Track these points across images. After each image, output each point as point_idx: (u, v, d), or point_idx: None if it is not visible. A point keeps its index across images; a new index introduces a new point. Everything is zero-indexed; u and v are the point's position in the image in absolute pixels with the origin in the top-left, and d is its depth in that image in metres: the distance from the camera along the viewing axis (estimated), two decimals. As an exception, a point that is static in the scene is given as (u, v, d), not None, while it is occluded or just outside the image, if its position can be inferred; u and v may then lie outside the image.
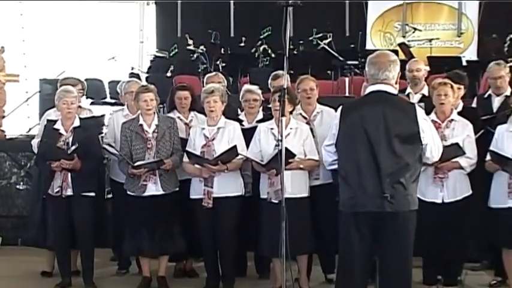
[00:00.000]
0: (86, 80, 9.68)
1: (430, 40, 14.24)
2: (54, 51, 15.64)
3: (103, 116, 8.85)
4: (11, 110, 11.73)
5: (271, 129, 7.53)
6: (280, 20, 6.09)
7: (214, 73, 9.29)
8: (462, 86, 7.91)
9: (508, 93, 8.24)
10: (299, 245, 7.27)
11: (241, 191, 7.81)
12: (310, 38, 14.40)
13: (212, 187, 7.65)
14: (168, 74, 14.12)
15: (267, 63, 14.76)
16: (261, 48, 15.05)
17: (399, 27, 15.31)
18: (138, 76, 12.98)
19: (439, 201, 7.27)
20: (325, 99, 8.53)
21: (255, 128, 7.85)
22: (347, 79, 12.45)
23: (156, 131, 7.83)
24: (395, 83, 5.78)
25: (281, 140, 6.68)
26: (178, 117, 8.20)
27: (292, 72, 9.54)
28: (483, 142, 7.44)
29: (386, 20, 15.49)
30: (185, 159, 7.76)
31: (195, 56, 14.28)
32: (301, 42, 14.47)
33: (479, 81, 11.66)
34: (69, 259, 8.13)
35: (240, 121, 8.11)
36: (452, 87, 7.43)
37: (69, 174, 7.78)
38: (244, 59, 14.14)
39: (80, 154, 7.75)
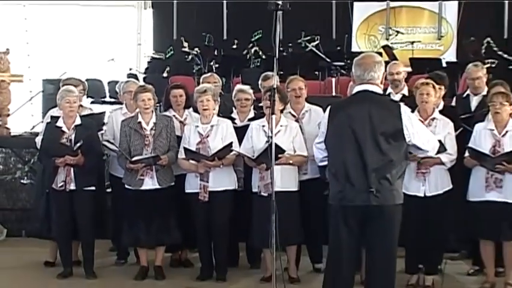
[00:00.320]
0: (87, 80, 9.66)
1: (412, 43, 14.24)
2: (56, 53, 15.63)
3: (103, 113, 8.83)
4: (15, 108, 11.71)
5: (263, 126, 7.54)
6: (270, 24, 6.08)
7: (209, 74, 9.28)
8: (443, 86, 7.91)
9: (485, 93, 8.24)
10: (288, 236, 7.29)
11: (235, 185, 7.82)
12: (299, 41, 14.36)
13: (208, 181, 7.66)
14: (165, 75, 14.09)
15: (258, 64, 14.74)
16: (252, 50, 15.05)
17: (383, 30, 15.30)
18: (136, 76, 12.94)
19: (421, 194, 7.27)
20: (313, 98, 8.53)
21: (246, 126, 7.86)
22: (334, 79, 12.44)
23: (153, 128, 7.84)
24: (381, 83, 5.79)
25: (271, 137, 6.72)
26: (174, 116, 8.21)
27: (282, 73, 9.55)
28: (462, 139, 7.45)
29: (371, 24, 15.47)
30: (181, 155, 7.76)
31: (189, 57, 14.24)
32: (290, 44, 14.45)
33: (458, 81, 11.66)
34: (71, 250, 8.13)
35: (233, 119, 8.11)
36: (434, 87, 7.43)
37: (72, 170, 7.79)
38: (236, 61, 14.11)
39: (82, 150, 7.77)
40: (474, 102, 8.45)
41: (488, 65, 10.54)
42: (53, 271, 8.18)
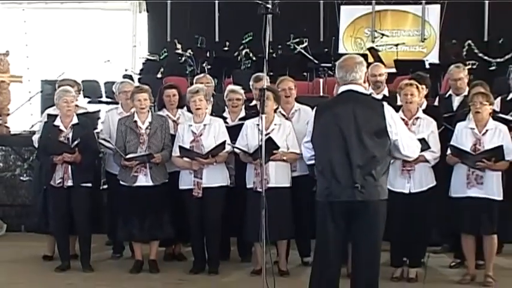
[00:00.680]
0: (84, 81, 9.66)
1: (397, 45, 14.23)
2: (54, 54, 15.59)
3: (98, 111, 8.80)
4: (15, 108, 11.69)
5: (257, 125, 7.49)
6: (260, 27, 6.06)
7: (202, 75, 9.26)
8: (424, 86, 7.90)
9: (466, 93, 8.22)
10: (281, 231, 7.34)
11: (227, 181, 7.81)
12: (288, 43, 14.37)
13: (201, 178, 7.66)
14: (159, 76, 14.03)
15: (249, 65, 14.75)
16: (243, 52, 15.05)
17: (369, 33, 15.29)
18: (131, 77, 12.89)
19: (406, 191, 7.26)
20: (302, 98, 8.52)
21: (238, 125, 7.87)
22: (321, 80, 12.41)
23: (149, 127, 7.84)
24: (364, 82, 5.78)
25: (267, 134, 6.87)
26: (167, 115, 8.19)
27: (271, 74, 9.54)
28: (444, 138, 7.45)
29: (357, 27, 15.46)
30: (175, 153, 7.74)
31: (183, 59, 14.22)
32: (279, 46, 14.46)
33: (441, 82, 11.69)
34: (68, 244, 8.13)
35: (225, 118, 8.10)
36: (417, 87, 7.42)
37: (70, 167, 7.79)
38: (227, 62, 14.09)
39: (79, 148, 7.77)
40: (456, 102, 8.44)
41: (469, 67, 10.54)
42: (51, 264, 8.17)
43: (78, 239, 8.10)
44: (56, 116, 8.00)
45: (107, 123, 8.48)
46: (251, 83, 8.52)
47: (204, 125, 7.74)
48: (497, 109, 7.93)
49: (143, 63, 15.50)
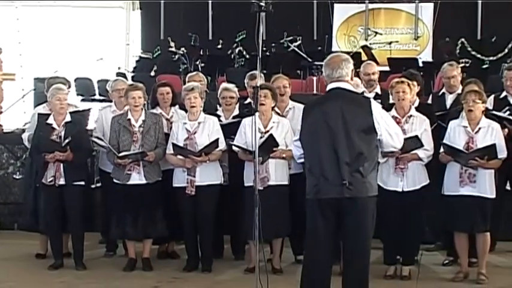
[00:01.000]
0: (77, 79, 9.63)
1: (390, 43, 14.27)
2: (47, 52, 15.59)
3: (89, 109, 8.76)
4: (8, 106, 11.66)
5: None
6: (254, 25, 6.06)
7: (195, 73, 9.25)
8: (415, 83, 7.89)
9: (460, 91, 8.24)
10: (278, 229, 7.37)
11: (221, 179, 7.81)
12: (282, 41, 14.37)
13: (195, 176, 7.65)
14: (152, 74, 14.05)
15: (242, 63, 14.75)
16: (237, 50, 15.05)
17: (362, 31, 15.31)
18: (124, 75, 12.89)
19: (400, 189, 7.26)
20: (295, 96, 8.52)
21: (231, 123, 7.86)
22: (315, 78, 12.42)
23: (142, 125, 7.83)
24: (351, 79, 5.79)
25: (266, 132, 6.79)
26: (161, 113, 8.18)
27: (265, 72, 9.53)
28: (436, 136, 7.46)
29: (351, 25, 15.48)
30: (169, 151, 7.74)
31: (176, 57, 14.19)
32: (273, 44, 14.46)
33: (434, 80, 11.70)
34: (61, 242, 8.11)
35: (218, 116, 8.10)
36: (409, 85, 7.43)
37: (62, 165, 7.77)
38: (221, 60, 14.10)
39: (71, 147, 7.74)
40: (449, 100, 8.46)
41: (462, 65, 10.56)
42: (44, 263, 8.15)
43: (71, 237, 8.07)
44: (48, 114, 7.99)
45: (100, 121, 8.46)
46: (246, 80, 8.52)
47: (199, 122, 7.73)
48: (490, 107, 7.94)
49: (136, 61, 15.49)
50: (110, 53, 15.08)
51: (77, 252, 7.99)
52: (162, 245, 8.50)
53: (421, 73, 8.63)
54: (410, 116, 7.37)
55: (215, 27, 15.86)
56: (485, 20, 14.91)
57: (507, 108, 8.05)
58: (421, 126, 7.32)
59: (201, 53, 14.57)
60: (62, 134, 7.82)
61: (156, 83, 9.14)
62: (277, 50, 14.40)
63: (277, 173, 7.47)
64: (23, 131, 9.56)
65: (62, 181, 7.78)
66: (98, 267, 8.10)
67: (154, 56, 15.53)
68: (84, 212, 7.99)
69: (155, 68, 14.40)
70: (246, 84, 8.54)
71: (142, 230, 7.81)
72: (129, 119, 7.84)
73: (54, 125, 7.86)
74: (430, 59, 14.29)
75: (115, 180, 7.86)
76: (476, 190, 7.18)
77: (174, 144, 7.65)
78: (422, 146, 7.15)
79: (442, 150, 7.34)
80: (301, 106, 7.68)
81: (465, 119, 7.32)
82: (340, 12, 15.53)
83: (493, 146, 7.11)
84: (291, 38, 14.16)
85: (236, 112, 8.21)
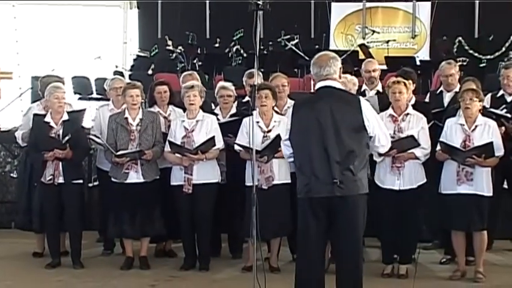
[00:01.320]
0: (74, 77, 9.61)
1: (387, 41, 14.26)
2: (45, 51, 15.53)
3: (84, 110, 8.75)
4: (5, 104, 11.64)
5: (257, 122, 7.49)
6: (251, 23, 6.06)
7: (190, 72, 9.23)
8: (411, 81, 7.89)
9: (457, 89, 8.25)
10: (280, 228, 7.36)
11: (218, 178, 7.80)
12: (279, 39, 14.37)
13: (192, 174, 7.65)
14: (149, 72, 14.02)
15: (240, 62, 14.74)
16: (234, 48, 15.03)
17: (359, 29, 15.30)
18: (122, 74, 12.89)
19: (396, 188, 7.27)
20: (292, 94, 8.52)
21: (229, 122, 7.86)
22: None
23: (139, 124, 7.83)
24: (339, 77, 5.79)
25: (268, 131, 6.92)
26: (158, 112, 8.18)
27: (262, 70, 9.53)
28: (433, 134, 7.47)
29: (348, 23, 15.48)
30: (167, 149, 7.74)
31: (173, 55, 14.21)
32: (270, 43, 14.45)
33: (432, 78, 11.71)
34: (59, 241, 8.12)
35: (216, 115, 8.09)
36: (405, 84, 7.44)
37: (60, 164, 7.77)
38: (218, 58, 14.09)
39: (70, 145, 7.75)
40: (447, 98, 8.46)
41: (459, 63, 10.56)
42: (42, 261, 8.15)
43: (69, 236, 8.08)
44: (44, 115, 7.97)
45: (98, 119, 8.46)
46: (244, 79, 8.52)
47: (197, 121, 7.73)
48: (488, 106, 7.95)
49: (134, 60, 15.47)
50: (107, 52, 15.04)
51: (74, 250, 7.99)
52: (159, 243, 8.49)
53: (418, 71, 8.62)
54: (407, 114, 7.38)
55: (212, 25, 15.85)
56: (483, 18, 14.92)
57: (504, 106, 8.05)
58: (418, 124, 7.32)
59: (199, 51, 14.58)
60: (60, 132, 7.81)
61: (154, 81, 9.14)
62: (275, 49, 14.40)
63: (281, 172, 7.47)
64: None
65: (60, 180, 7.78)
66: (96, 265, 8.10)
67: (152, 54, 15.51)
68: (83, 211, 7.99)
69: (153, 66, 14.37)
70: (244, 83, 8.53)
71: (140, 229, 7.82)
72: (126, 118, 7.84)
73: (52, 124, 7.85)
74: (427, 58, 14.28)
75: (113, 179, 7.86)
76: (473, 188, 7.18)
77: (170, 142, 7.66)
78: (418, 145, 7.17)
79: (438, 148, 7.34)
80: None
81: (462, 117, 7.33)
82: (338, 11, 15.53)
83: (490, 144, 7.12)
84: (289, 36, 14.15)
85: (234, 111, 8.21)
